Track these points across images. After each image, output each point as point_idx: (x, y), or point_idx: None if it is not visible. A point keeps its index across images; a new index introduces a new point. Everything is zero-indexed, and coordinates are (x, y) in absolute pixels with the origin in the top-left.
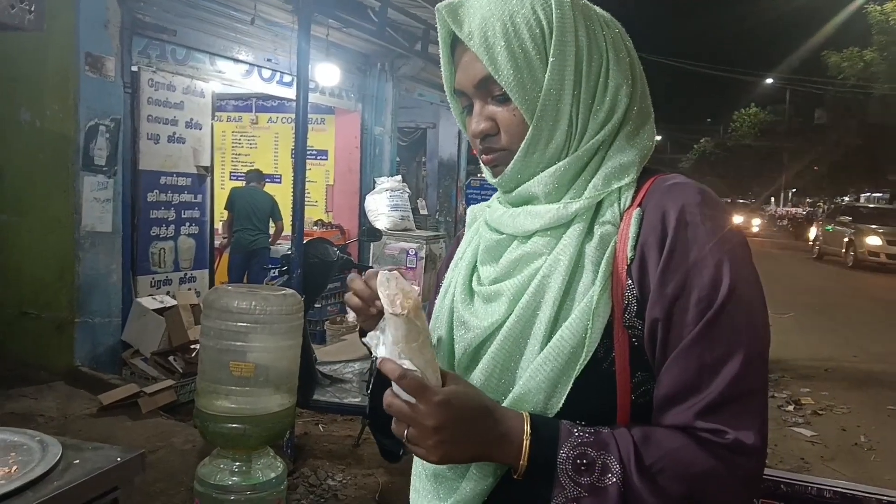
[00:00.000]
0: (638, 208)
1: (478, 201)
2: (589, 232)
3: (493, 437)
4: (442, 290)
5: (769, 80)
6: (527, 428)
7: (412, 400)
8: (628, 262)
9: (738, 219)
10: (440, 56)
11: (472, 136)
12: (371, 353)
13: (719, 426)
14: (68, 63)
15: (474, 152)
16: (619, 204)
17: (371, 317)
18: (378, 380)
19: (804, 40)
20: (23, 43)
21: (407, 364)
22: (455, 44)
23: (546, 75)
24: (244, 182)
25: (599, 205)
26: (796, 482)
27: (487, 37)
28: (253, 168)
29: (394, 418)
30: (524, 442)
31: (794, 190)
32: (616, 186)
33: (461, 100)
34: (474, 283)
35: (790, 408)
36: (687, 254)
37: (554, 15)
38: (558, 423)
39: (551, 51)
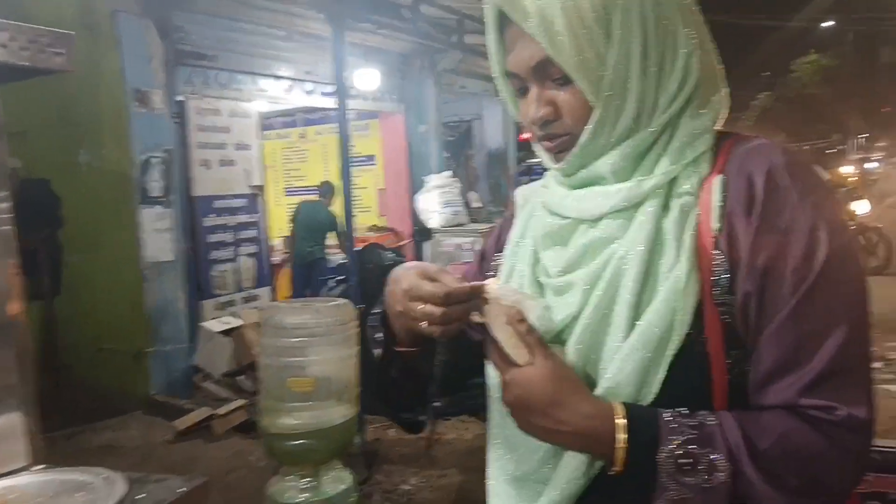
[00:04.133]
0: (719, 175)
1: None
2: (665, 207)
3: (580, 419)
4: (503, 278)
5: (827, 23)
6: (621, 421)
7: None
8: (714, 233)
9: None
10: (487, 36)
11: (531, 122)
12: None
13: (828, 402)
14: (118, 101)
15: (522, 138)
16: (698, 173)
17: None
18: (384, 363)
19: None
20: (76, 86)
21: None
22: (503, 22)
23: (611, 51)
24: (317, 195)
25: (675, 177)
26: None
27: (545, 15)
28: (326, 180)
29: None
30: (619, 437)
31: (866, 136)
32: (691, 157)
33: (512, 81)
34: (541, 276)
35: (878, 364)
36: (778, 220)
37: None
38: (656, 415)
39: (615, 22)
